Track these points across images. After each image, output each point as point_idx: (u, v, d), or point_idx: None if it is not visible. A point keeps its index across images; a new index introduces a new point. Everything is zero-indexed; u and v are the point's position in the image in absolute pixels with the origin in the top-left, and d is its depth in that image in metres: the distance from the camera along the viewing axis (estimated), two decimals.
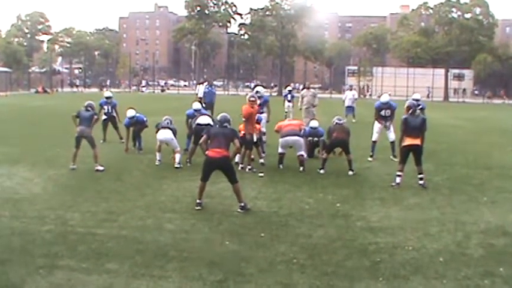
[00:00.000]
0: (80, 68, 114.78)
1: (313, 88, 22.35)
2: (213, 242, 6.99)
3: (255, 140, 12.18)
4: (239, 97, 34.21)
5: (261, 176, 11.43)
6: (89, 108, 12.33)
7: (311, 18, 77.39)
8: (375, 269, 6.10)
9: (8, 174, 11.19)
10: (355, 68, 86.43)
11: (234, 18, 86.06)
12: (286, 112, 23.80)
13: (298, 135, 12.36)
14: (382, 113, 13.96)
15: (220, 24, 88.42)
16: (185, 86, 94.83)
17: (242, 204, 8.50)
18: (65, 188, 10.09)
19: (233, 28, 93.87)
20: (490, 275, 5.93)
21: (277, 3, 77.39)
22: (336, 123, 12.44)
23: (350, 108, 27.08)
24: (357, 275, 5.90)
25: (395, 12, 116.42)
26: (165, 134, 12.72)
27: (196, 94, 25.71)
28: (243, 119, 11.80)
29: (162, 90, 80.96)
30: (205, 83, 26.17)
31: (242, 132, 11.80)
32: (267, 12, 78.90)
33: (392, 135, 13.94)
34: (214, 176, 8.83)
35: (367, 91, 77.18)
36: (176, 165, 12.29)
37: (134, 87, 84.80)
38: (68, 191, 9.80)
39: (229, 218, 8.14)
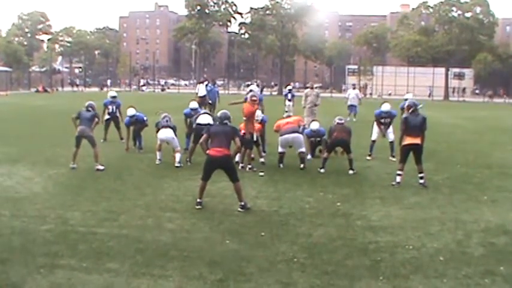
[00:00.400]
0: (80, 68, 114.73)
1: (317, 88, 22.53)
2: (214, 241, 6.99)
3: (255, 139, 12.22)
4: (240, 96, 34.25)
5: (262, 175, 11.44)
6: (90, 109, 12.32)
7: (311, 18, 77.27)
8: (375, 268, 6.11)
9: (8, 174, 11.20)
10: (356, 67, 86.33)
11: (234, 17, 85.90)
12: (286, 111, 23.82)
13: (297, 132, 12.37)
14: (382, 120, 14.04)
15: (221, 23, 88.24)
16: (185, 85, 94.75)
17: (242, 203, 8.50)
18: (66, 187, 10.09)
19: (233, 27, 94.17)
20: (490, 273, 5.94)
21: (277, 2, 77.25)
22: (337, 123, 12.44)
23: (353, 107, 27.25)
24: (357, 274, 5.90)
25: (395, 11, 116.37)
26: (166, 133, 12.71)
27: (196, 93, 25.73)
28: (244, 118, 11.80)
29: (163, 90, 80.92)
30: (206, 82, 26.17)
31: (243, 131, 11.80)
32: (267, 12, 78.74)
33: (391, 136, 13.97)
34: (214, 175, 8.83)
35: (365, 89, 77.08)
36: (176, 165, 12.29)
37: (134, 87, 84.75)
38: (69, 190, 9.81)
39: (230, 217, 8.14)
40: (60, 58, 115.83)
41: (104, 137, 16.25)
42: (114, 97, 16.98)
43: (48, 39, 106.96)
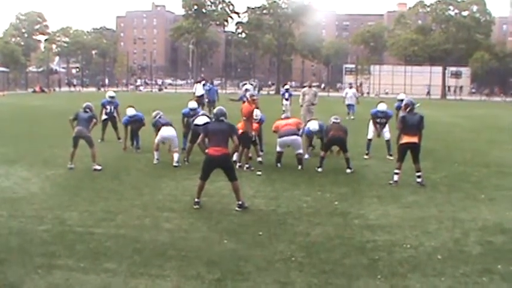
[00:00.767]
0: (78, 68, 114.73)
1: (315, 87, 22.74)
2: (211, 240, 6.99)
3: (253, 138, 12.23)
4: (237, 96, 34.33)
5: (259, 175, 11.44)
6: (87, 110, 12.31)
7: (308, 17, 77.28)
8: (373, 266, 6.11)
9: (5, 174, 11.17)
10: (353, 66, 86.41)
11: (231, 16, 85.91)
12: (283, 110, 23.83)
13: (296, 134, 12.38)
14: (378, 120, 14.04)
15: (218, 23, 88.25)
16: (182, 85, 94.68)
17: (240, 202, 8.50)
18: (63, 188, 10.08)
19: (230, 27, 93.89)
20: (488, 272, 5.94)
21: (274, 1, 77.25)
22: (333, 122, 12.45)
23: (351, 106, 27.61)
24: (355, 273, 5.90)
25: (392, 10, 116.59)
26: (169, 131, 12.70)
27: (194, 93, 25.73)
28: (244, 118, 11.78)
29: (160, 90, 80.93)
30: (203, 82, 26.18)
31: (241, 130, 11.74)
32: (264, 11, 78.75)
33: (387, 134, 13.99)
34: (212, 175, 8.82)
35: (361, 88, 77.11)
36: (175, 164, 12.28)
37: (132, 86, 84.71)
38: (66, 191, 9.79)
39: (228, 216, 8.14)
40: (57, 58, 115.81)
41: (101, 137, 16.22)
42: (112, 97, 16.96)
43: (45, 40, 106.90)
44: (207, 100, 25.07)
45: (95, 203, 8.87)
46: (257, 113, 12.68)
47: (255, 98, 11.85)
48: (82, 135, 11.90)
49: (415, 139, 10.44)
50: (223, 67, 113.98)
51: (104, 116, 16.54)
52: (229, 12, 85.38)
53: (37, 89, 63.76)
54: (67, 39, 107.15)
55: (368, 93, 72.53)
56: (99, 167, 11.79)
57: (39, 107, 34.29)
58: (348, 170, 11.87)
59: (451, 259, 6.37)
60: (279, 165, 12.42)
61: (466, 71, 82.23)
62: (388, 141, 13.90)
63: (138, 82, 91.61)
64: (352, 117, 26.37)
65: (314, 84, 24.70)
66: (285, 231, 7.46)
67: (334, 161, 12.93)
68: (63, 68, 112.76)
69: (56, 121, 21.68)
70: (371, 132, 14.23)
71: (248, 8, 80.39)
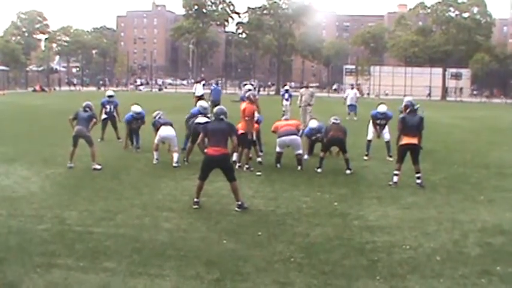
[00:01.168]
0: (78, 67, 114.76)
1: (312, 87, 22.97)
2: (211, 240, 6.99)
3: (254, 138, 12.25)
4: (237, 96, 34.32)
5: (259, 175, 11.43)
6: (87, 109, 12.30)
7: (309, 17, 77.37)
8: (372, 268, 6.11)
9: (5, 173, 11.17)
10: (353, 67, 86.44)
11: (231, 17, 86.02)
12: (283, 111, 23.89)
13: (295, 135, 12.38)
14: (378, 121, 14.04)
15: (218, 23, 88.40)
16: (182, 84, 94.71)
17: (239, 203, 8.50)
18: (63, 187, 10.08)
19: (231, 27, 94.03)
20: (487, 273, 5.94)
21: (275, 2, 77.31)
22: (333, 122, 12.45)
23: (352, 107, 27.84)
24: (355, 274, 5.90)
25: (393, 12, 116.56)
26: (168, 131, 12.69)
27: (194, 93, 25.75)
28: (246, 118, 11.78)
29: (160, 89, 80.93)
30: (203, 82, 26.21)
31: (242, 131, 11.73)
32: (265, 11, 78.82)
33: (387, 135, 13.99)
34: (211, 175, 8.82)
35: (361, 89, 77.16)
36: (174, 165, 12.27)
37: (132, 86, 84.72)
38: (66, 190, 9.79)
39: (227, 216, 8.14)
40: (57, 57, 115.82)
41: (101, 137, 16.22)
42: (111, 96, 16.96)
43: (46, 39, 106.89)
44: (210, 100, 25.10)
45: (95, 202, 8.87)
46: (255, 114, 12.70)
47: (254, 97, 11.88)
48: (82, 135, 11.89)
49: (414, 140, 10.44)
50: (223, 67, 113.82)
51: (104, 116, 16.53)
52: (229, 12, 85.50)
53: (37, 88, 63.76)
54: (67, 39, 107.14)
55: (368, 94, 72.53)
56: (98, 167, 11.79)
57: (39, 106, 34.28)
58: (348, 171, 11.87)
59: (450, 260, 6.37)
60: (278, 165, 12.42)
61: (466, 72, 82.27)
62: (387, 142, 13.90)
63: (138, 82, 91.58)
64: (355, 118, 26.52)
65: (313, 84, 24.92)
66: (284, 231, 7.45)
67: (334, 161, 12.93)
68: (64, 67, 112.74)
69: (56, 120, 21.67)
70: (370, 133, 14.24)
71: (248, 8, 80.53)
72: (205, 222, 7.81)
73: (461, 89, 77.25)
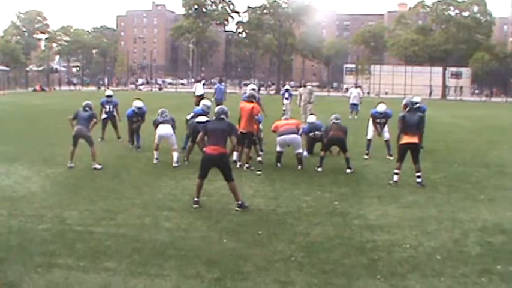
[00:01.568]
0: (78, 67, 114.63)
1: (311, 86, 23.09)
2: (211, 240, 6.99)
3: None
4: (237, 95, 34.33)
5: (259, 174, 11.44)
6: (87, 109, 12.29)
7: (309, 17, 77.33)
8: (372, 267, 6.11)
9: (5, 173, 11.17)
10: (353, 66, 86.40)
11: (231, 16, 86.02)
12: (284, 110, 23.90)
13: (295, 133, 12.38)
14: (377, 120, 14.03)
15: (218, 22, 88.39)
16: (182, 84, 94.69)
17: (240, 202, 8.50)
18: (63, 187, 10.08)
19: (231, 26, 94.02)
20: (487, 272, 5.94)
21: (275, 1, 77.27)
22: (333, 122, 12.44)
23: (355, 106, 28.22)
24: (355, 273, 5.91)
25: (393, 11, 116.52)
26: (165, 129, 12.68)
27: (194, 92, 25.74)
28: (249, 118, 11.95)
29: (160, 89, 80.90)
30: (203, 81, 26.21)
31: (242, 130, 11.78)
32: (265, 11, 78.78)
33: (387, 134, 13.98)
34: (212, 174, 8.82)
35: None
36: (174, 165, 12.27)
37: (132, 86, 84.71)
38: (66, 190, 9.80)
39: (227, 216, 8.14)
40: (57, 57, 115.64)
41: (101, 136, 16.22)
42: (109, 96, 16.95)
43: (46, 38, 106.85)
44: (214, 99, 25.13)
45: (95, 202, 8.87)
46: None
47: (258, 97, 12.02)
48: (82, 134, 11.89)
49: (415, 139, 10.45)
50: (223, 67, 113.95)
51: (104, 115, 16.53)
52: (229, 11, 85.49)
53: (37, 87, 63.76)
54: (67, 38, 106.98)
55: (368, 93, 72.46)
56: (99, 166, 11.79)
57: (40, 106, 34.28)
58: (348, 170, 11.87)
59: (450, 259, 6.37)
60: (278, 165, 12.42)
61: (466, 71, 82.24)
62: (387, 141, 13.89)
63: (140, 81, 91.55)
64: (355, 117, 26.71)
65: (313, 84, 25.04)
66: (285, 230, 7.46)
67: (334, 161, 12.94)
68: (64, 67, 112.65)
69: (56, 120, 21.67)
70: (371, 132, 14.23)
71: (248, 7, 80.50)
72: (206, 222, 7.81)
73: (461, 88, 77.19)
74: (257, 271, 5.91)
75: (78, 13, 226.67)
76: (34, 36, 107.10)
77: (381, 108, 13.95)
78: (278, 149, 12.47)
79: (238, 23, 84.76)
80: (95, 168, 11.71)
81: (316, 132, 13.39)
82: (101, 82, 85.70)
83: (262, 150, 13.38)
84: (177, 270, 5.89)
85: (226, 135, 8.65)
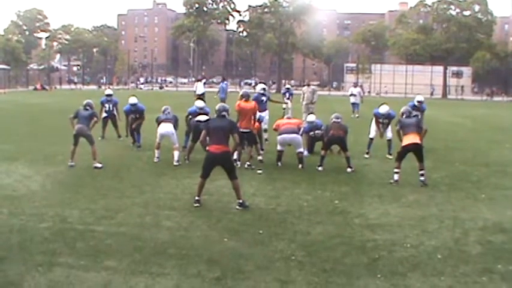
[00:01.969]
0: (79, 65, 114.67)
1: (314, 85, 23.23)
2: (212, 239, 6.99)
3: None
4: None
5: (260, 173, 11.44)
6: (88, 108, 12.28)
7: (310, 16, 77.30)
8: (373, 266, 6.11)
9: (6, 172, 11.18)
10: (354, 65, 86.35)
11: (232, 15, 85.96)
12: (284, 109, 23.88)
13: (296, 133, 12.39)
14: (380, 120, 14.00)
15: (219, 21, 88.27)
16: (183, 83, 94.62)
17: (240, 201, 8.50)
18: (64, 185, 10.09)
19: (232, 25, 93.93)
20: (488, 271, 5.95)
21: (276, 0, 77.28)
22: (334, 121, 12.43)
23: (355, 105, 28.27)
24: (355, 272, 5.91)
25: (393, 10, 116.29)
26: (166, 128, 12.68)
27: (195, 91, 25.75)
28: (250, 116, 12.12)
29: (161, 88, 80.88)
30: (204, 80, 26.22)
31: (245, 129, 11.83)
32: (266, 10, 78.74)
33: (389, 134, 13.95)
34: (212, 173, 8.81)
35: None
36: (175, 163, 12.28)
37: (132, 84, 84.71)
38: (67, 188, 9.80)
39: (228, 215, 8.14)
40: (58, 56, 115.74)
41: (101, 135, 16.24)
42: (109, 95, 16.96)
43: (46, 37, 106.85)
44: (216, 96, 25.17)
45: (96, 200, 8.88)
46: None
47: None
48: (82, 133, 11.90)
49: (416, 139, 10.46)
50: (224, 65, 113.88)
51: (104, 114, 16.55)
52: (230, 10, 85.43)
53: (38, 86, 63.80)
54: (68, 37, 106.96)
55: (369, 92, 72.45)
56: (99, 165, 11.79)
57: (40, 105, 34.29)
58: (349, 169, 11.87)
59: (451, 258, 6.37)
60: (279, 164, 12.42)
61: (467, 70, 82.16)
62: (389, 140, 13.88)
63: (141, 80, 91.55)
64: (357, 115, 26.76)
65: (314, 83, 25.06)
66: (285, 229, 7.46)
67: (335, 160, 12.94)
68: (64, 65, 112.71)
69: (57, 118, 21.68)
70: (373, 132, 14.19)
71: (249, 6, 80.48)
72: (206, 221, 7.82)
73: (462, 87, 77.12)
74: (258, 270, 5.91)
75: (79, 12, 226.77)
76: (35, 34, 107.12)
77: (384, 109, 13.89)
78: (279, 148, 12.48)
79: (239, 22, 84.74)
80: (96, 167, 11.71)
81: (317, 131, 13.39)
82: (101, 81, 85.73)
83: (263, 149, 13.38)
84: (177, 269, 5.89)
85: (228, 134, 8.62)
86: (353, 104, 28.35)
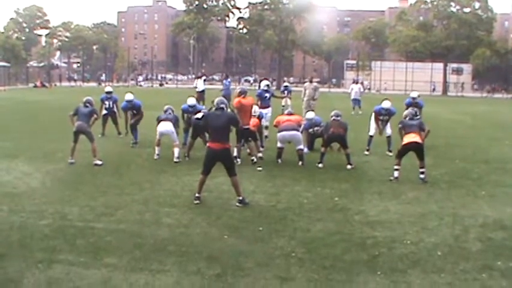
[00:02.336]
0: (79, 63, 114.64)
1: (316, 82, 23.23)
2: (212, 236, 6.99)
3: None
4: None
5: (260, 170, 11.44)
6: (88, 104, 12.28)
7: (310, 13, 77.25)
8: (373, 262, 6.12)
9: (6, 169, 11.18)
10: (354, 62, 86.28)
11: (232, 12, 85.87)
12: (283, 106, 23.89)
13: (296, 130, 12.38)
14: (381, 117, 13.98)
15: (219, 18, 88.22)
16: (181, 80, 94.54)
17: (240, 198, 8.49)
18: (63, 182, 10.09)
19: (232, 22, 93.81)
20: (488, 268, 5.95)
21: None
22: (334, 119, 12.41)
23: (356, 101, 28.30)
24: (355, 269, 5.91)
25: (394, 7, 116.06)
26: (165, 127, 12.69)
27: (195, 88, 25.76)
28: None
29: (161, 85, 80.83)
30: (204, 77, 26.24)
31: (248, 126, 11.92)
32: (266, 6, 78.74)
33: (388, 130, 13.94)
34: (212, 170, 8.80)
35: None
36: (175, 160, 12.29)
37: (132, 82, 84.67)
38: (67, 185, 9.80)
39: (228, 212, 8.14)
40: (58, 53, 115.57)
41: (102, 132, 16.24)
42: (109, 92, 16.99)
43: (46, 34, 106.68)
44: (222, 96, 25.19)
45: (96, 197, 8.88)
46: (255, 109, 12.85)
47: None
48: (82, 130, 11.89)
49: (416, 138, 10.48)
50: (224, 63, 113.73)
51: (104, 111, 16.57)
52: (230, 7, 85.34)
53: (38, 83, 63.76)
54: (68, 34, 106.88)
55: (369, 89, 72.41)
56: (99, 162, 11.79)
57: (40, 102, 34.30)
58: (349, 166, 11.87)
59: (451, 255, 6.37)
60: (279, 161, 12.41)
61: (467, 67, 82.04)
62: (389, 137, 13.87)
63: (141, 78, 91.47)
64: (359, 112, 26.79)
65: (315, 80, 24.99)
66: (285, 226, 7.46)
67: (335, 157, 12.93)
68: (64, 62, 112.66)
69: (57, 116, 21.65)
70: (372, 129, 14.17)
71: (249, 3, 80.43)
72: (206, 218, 7.82)
73: (462, 84, 77.03)
74: (258, 267, 5.92)
75: (78, 9, 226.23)
76: (35, 32, 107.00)
77: (386, 104, 13.87)
78: (278, 145, 12.47)
79: (239, 19, 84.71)
80: (96, 164, 11.71)
81: (316, 128, 13.38)
82: (101, 78, 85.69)
83: (263, 146, 13.38)
84: (177, 266, 5.90)
85: (227, 130, 8.58)
86: (354, 100, 28.31)
